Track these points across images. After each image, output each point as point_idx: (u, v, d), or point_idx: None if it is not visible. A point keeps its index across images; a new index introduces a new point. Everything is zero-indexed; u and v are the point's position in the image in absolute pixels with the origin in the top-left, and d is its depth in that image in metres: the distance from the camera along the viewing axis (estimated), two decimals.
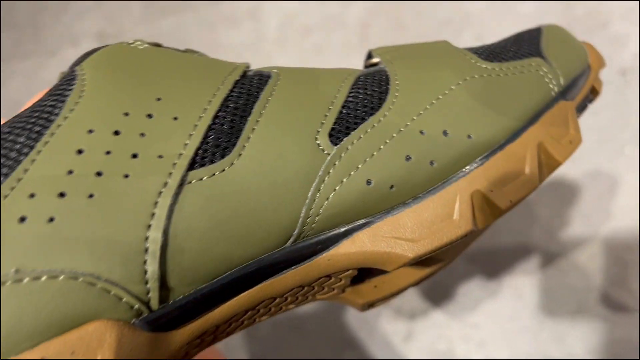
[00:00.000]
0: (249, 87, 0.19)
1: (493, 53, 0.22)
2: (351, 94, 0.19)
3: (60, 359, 0.14)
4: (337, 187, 0.18)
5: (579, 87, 0.22)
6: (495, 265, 0.62)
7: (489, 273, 0.62)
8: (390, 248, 0.18)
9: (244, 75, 0.19)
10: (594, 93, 0.24)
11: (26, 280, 0.14)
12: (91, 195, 0.15)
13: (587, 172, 0.62)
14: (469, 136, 0.19)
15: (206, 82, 0.18)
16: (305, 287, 0.20)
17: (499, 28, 0.68)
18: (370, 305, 0.23)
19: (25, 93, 0.76)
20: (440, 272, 0.62)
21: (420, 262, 0.22)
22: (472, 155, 0.19)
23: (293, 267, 0.18)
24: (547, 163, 0.21)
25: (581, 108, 0.23)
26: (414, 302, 0.62)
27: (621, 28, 0.64)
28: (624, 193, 0.60)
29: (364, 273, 0.21)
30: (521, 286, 0.61)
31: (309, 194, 0.18)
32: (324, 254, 0.18)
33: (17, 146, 0.16)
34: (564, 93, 0.22)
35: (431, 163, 0.19)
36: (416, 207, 0.19)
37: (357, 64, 0.80)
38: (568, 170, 0.62)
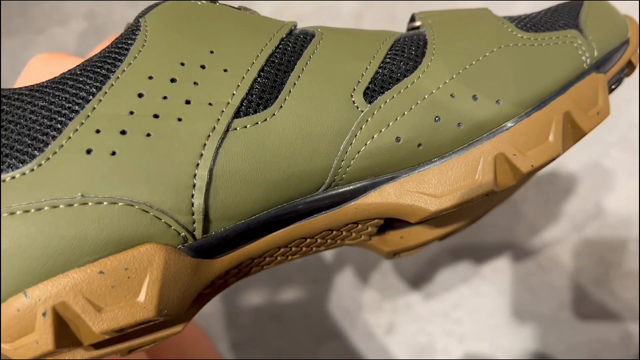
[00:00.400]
0: (293, 44, 0.20)
1: (531, 22, 0.22)
2: (388, 56, 0.20)
3: (115, 273, 0.16)
4: (368, 142, 0.19)
5: (614, 61, 0.22)
6: (479, 261, 0.61)
7: (472, 268, 0.61)
8: (414, 201, 0.20)
9: (290, 33, 0.20)
10: (630, 67, 0.24)
11: (90, 204, 0.16)
12: (148, 135, 0.17)
13: (573, 173, 0.62)
14: (497, 102, 0.20)
15: (255, 37, 0.19)
16: (334, 231, 0.21)
17: None
18: (395, 254, 0.25)
19: (11, 70, 0.75)
20: (423, 266, 0.62)
21: (444, 218, 0.23)
22: (499, 120, 0.20)
23: (323, 212, 0.20)
24: (572, 133, 0.21)
25: (616, 81, 0.23)
26: (397, 295, 0.62)
27: None
28: (609, 195, 0.60)
29: (390, 223, 0.23)
30: (503, 283, 0.61)
31: (342, 147, 0.19)
32: (352, 202, 0.20)
33: (87, 87, 0.17)
34: (598, 66, 0.22)
35: (459, 125, 0.20)
36: (441, 165, 0.20)
37: None
38: (554, 170, 0.62)
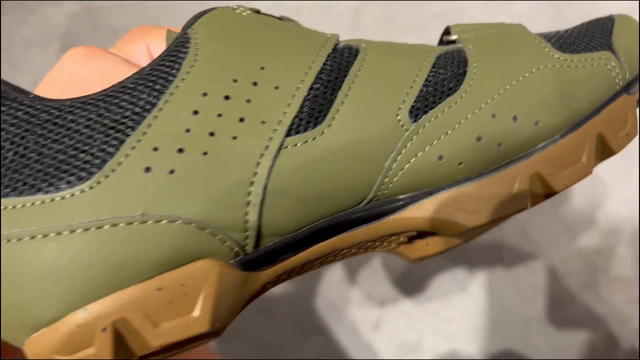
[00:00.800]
0: (339, 61, 0.20)
1: (566, 43, 0.22)
2: (432, 73, 0.20)
3: (172, 289, 0.17)
4: (412, 160, 0.20)
5: None
6: (469, 260, 0.61)
7: (462, 268, 0.61)
8: (451, 217, 0.20)
9: (335, 48, 0.20)
10: None
11: (150, 222, 0.16)
12: (205, 153, 0.17)
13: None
14: (536, 123, 0.20)
15: (302, 53, 0.19)
16: (369, 242, 0.22)
17: None
18: (420, 259, 0.25)
19: (3, 49, 0.73)
20: (414, 264, 0.61)
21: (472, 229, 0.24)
22: (537, 140, 0.21)
23: (364, 225, 0.20)
24: (602, 152, 0.22)
25: None
26: (385, 291, 0.61)
27: None
28: (601, 199, 0.60)
29: (421, 233, 0.23)
30: (492, 283, 0.61)
31: (386, 164, 0.19)
32: (391, 216, 0.20)
33: (141, 102, 0.17)
34: (627, 87, 0.23)
35: (499, 145, 0.20)
36: (479, 183, 0.20)
37: None
38: None
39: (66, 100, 0.17)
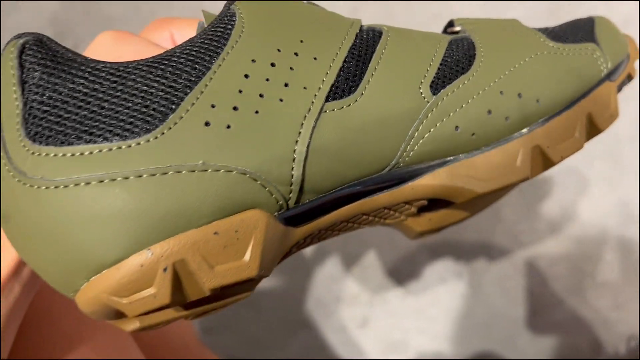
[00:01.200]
0: (367, 39, 0.22)
1: (557, 36, 0.26)
2: (447, 54, 0.23)
3: (227, 234, 0.18)
4: (432, 129, 0.22)
5: (620, 71, 0.27)
6: (457, 260, 0.61)
7: (450, 268, 0.61)
8: (464, 184, 0.23)
9: (361, 28, 0.23)
10: (629, 78, 0.28)
11: (209, 171, 0.18)
12: (257, 112, 0.19)
13: (556, 181, 0.62)
14: (537, 100, 0.23)
15: (335, 30, 0.22)
16: (386, 209, 0.24)
17: None
18: (421, 234, 0.28)
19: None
20: (402, 262, 0.61)
21: (465, 206, 0.27)
22: (537, 116, 0.24)
23: (385, 191, 0.23)
24: (590, 130, 0.25)
25: (619, 89, 0.27)
26: (373, 290, 0.61)
27: None
28: (590, 205, 0.61)
29: (430, 204, 0.26)
30: (479, 285, 0.61)
31: (409, 132, 0.22)
32: (409, 183, 0.23)
33: (197, 65, 0.19)
34: (610, 75, 0.26)
35: (506, 119, 0.23)
36: (488, 154, 0.23)
37: None
38: (536, 179, 0.63)
39: (129, 62, 0.19)
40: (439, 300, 0.63)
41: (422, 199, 0.24)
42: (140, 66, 0.19)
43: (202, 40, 0.20)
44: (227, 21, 0.21)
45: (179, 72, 0.19)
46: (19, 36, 0.19)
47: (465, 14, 0.69)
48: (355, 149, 0.21)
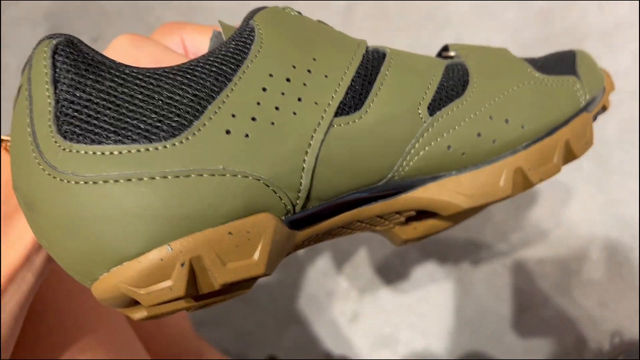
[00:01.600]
0: (372, 60, 0.24)
1: (542, 67, 0.28)
2: (443, 78, 0.25)
3: (240, 234, 0.20)
4: (427, 147, 0.24)
5: (596, 103, 0.29)
6: (447, 258, 0.62)
7: (440, 266, 0.62)
8: (451, 199, 0.25)
9: (366, 49, 0.25)
10: (603, 109, 0.30)
11: (228, 176, 0.20)
12: (272, 123, 0.21)
13: (544, 182, 0.63)
14: (522, 126, 0.26)
15: (344, 50, 0.24)
16: (379, 217, 0.26)
17: (479, 31, 0.68)
18: (406, 242, 0.30)
19: None
20: (392, 259, 0.61)
21: (451, 217, 0.29)
22: (521, 140, 0.26)
23: (380, 200, 0.25)
24: (567, 156, 0.28)
25: (594, 118, 0.30)
26: (364, 286, 0.62)
27: (595, 49, 0.65)
28: (577, 205, 0.62)
29: (419, 215, 0.28)
30: (469, 282, 0.62)
31: (407, 149, 0.24)
32: (402, 195, 0.25)
33: (219, 77, 0.21)
34: (587, 106, 0.28)
35: (493, 141, 0.25)
36: (475, 172, 0.25)
37: None
38: None
39: (155, 68, 0.21)
40: (428, 297, 0.63)
41: (412, 210, 0.26)
42: (166, 73, 0.21)
43: (223, 53, 0.22)
44: (246, 36, 0.22)
45: (202, 82, 0.21)
46: (51, 37, 0.20)
47: (458, 13, 0.69)
48: (358, 162, 0.23)
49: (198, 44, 0.25)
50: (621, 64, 0.63)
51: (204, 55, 0.22)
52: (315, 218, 0.23)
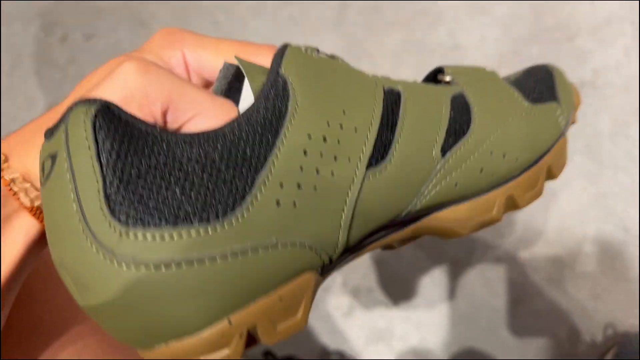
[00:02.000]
0: (390, 104, 0.24)
1: (526, 93, 0.29)
2: (451, 117, 0.26)
3: (289, 298, 0.21)
4: (438, 187, 0.25)
5: (569, 123, 0.31)
6: (440, 252, 0.62)
7: (434, 260, 0.62)
8: (453, 227, 0.27)
9: (383, 90, 0.25)
10: (572, 123, 0.33)
11: (280, 247, 0.20)
12: (315, 188, 0.21)
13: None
14: (517, 159, 0.27)
15: (365, 96, 0.24)
16: (390, 243, 0.29)
17: (472, 27, 0.68)
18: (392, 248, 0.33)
19: None
20: (386, 253, 0.61)
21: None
22: (515, 171, 0.28)
23: (392, 232, 0.27)
24: (548, 177, 0.30)
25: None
26: (359, 279, 0.62)
27: (586, 44, 0.66)
28: (569, 198, 0.62)
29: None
30: (463, 275, 0.62)
31: (422, 189, 0.25)
32: (411, 225, 0.27)
33: (263, 142, 0.20)
34: (564, 129, 0.30)
35: (492, 174, 0.27)
36: (472, 202, 0.27)
37: (330, 39, 0.79)
38: None
39: (195, 135, 0.20)
40: (423, 291, 0.64)
41: (420, 236, 0.29)
42: (213, 144, 0.20)
43: (263, 116, 0.21)
44: (281, 93, 0.21)
45: (248, 153, 0.20)
46: (86, 102, 0.18)
47: (451, 9, 0.69)
48: (382, 207, 0.24)
49: (201, 60, 0.23)
50: (612, 58, 0.63)
51: (240, 121, 0.21)
52: (340, 261, 0.24)
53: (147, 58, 0.22)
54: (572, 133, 0.65)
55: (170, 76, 0.21)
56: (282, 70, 0.22)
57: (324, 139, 0.21)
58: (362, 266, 0.62)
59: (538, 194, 0.29)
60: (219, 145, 0.20)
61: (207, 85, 0.25)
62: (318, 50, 0.24)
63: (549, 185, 0.69)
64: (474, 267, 0.62)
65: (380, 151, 0.23)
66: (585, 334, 0.59)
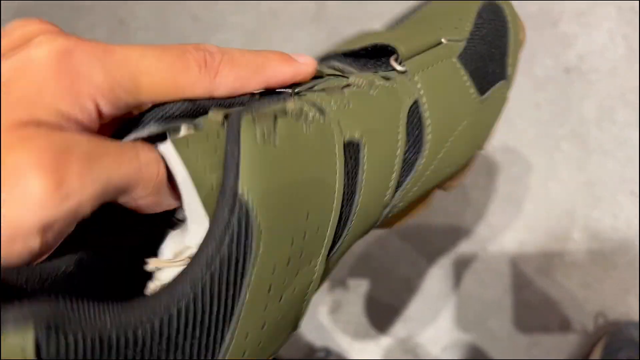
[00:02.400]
0: (351, 162, 0.22)
1: (477, 73, 0.27)
2: (403, 159, 0.25)
3: None
4: (389, 214, 0.26)
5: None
6: (427, 244, 0.61)
7: (420, 251, 0.61)
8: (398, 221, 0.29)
9: (344, 151, 0.22)
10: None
11: None
12: (278, 317, 0.19)
13: (523, 163, 0.62)
14: (457, 165, 0.27)
15: (327, 173, 0.21)
16: None
17: None
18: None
19: None
20: (372, 247, 0.60)
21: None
22: (452, 174, 0.28)
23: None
24: None
25: None
26: (345, 275, 0.60)
27: (570, 28, 0.64)
28: (556, 186, 0.60)
29: None
30: (450, 267, 0.61)
31: (376, 222, 0.25)
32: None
33: (230, 301, 0.17)
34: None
35: (433, 186, 0.27)
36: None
37: (311, 32, 0.77)
38: (506, 158, 0.62)
39: (151, 302, 0.16)
40: (410, 283, 0.62)
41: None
42: (170, 308, 0.16)
43: (229, 257, 0.17)
44: (245, 229, 0.17)
45: (216, 306, 0.17)
46: (16, 321, 0.12)
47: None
48: (338, 257, 0.24)
49: (117, 104, 0.17)
50: (597, 42, 0.62)
51: (197, 263, 0.17)
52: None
53: (37, 127, 0.15)
54: (557, 120, 0.64)
55: (83, 152, 0.15)
56: (240, 191, 0.17)
57: (288, 262, 0.19)
58: (347, 261, 0.61)
59: (462, 179, 0.29)
60: (181, 312, 0.16)
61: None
62: (276, 116, 0.19)
63: (536, 173, 0.68)
64: (461, 259, 0.61)
65: (340, 231, 0.22)
66: (576, 323, 0.57)
